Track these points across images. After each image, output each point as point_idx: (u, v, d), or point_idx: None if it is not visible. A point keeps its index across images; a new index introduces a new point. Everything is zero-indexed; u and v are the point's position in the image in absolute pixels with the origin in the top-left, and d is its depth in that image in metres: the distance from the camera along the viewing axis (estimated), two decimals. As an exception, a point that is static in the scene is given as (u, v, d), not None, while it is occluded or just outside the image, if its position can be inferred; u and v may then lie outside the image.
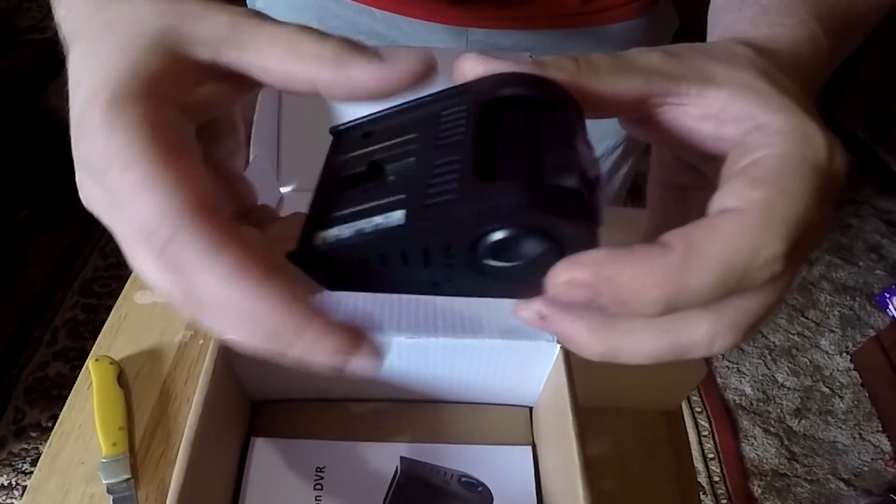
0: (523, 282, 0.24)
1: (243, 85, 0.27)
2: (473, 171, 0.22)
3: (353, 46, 0.25)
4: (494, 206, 0.21)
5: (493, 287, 0.25)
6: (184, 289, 0.22)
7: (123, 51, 0.24)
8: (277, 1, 0.75)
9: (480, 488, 0.50)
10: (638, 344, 0.25)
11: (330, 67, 0.25)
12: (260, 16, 0.26)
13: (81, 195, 0.26)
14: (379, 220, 0.23)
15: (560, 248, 0.22)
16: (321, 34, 0.26)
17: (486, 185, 0.22)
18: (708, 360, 1.61)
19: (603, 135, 0.82)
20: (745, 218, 0.22)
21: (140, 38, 0.25)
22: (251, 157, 0.54)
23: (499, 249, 0.23)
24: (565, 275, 0.22)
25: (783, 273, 0.23)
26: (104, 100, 0.23)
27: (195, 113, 0.26)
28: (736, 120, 0.25)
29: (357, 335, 0.24)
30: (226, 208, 0.25)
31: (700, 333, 0.24)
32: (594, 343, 0.25)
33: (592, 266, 0.22)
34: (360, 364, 0.24)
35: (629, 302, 0.22)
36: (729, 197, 0.23)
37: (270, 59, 0.25)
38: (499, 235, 0.22)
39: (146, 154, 0.22)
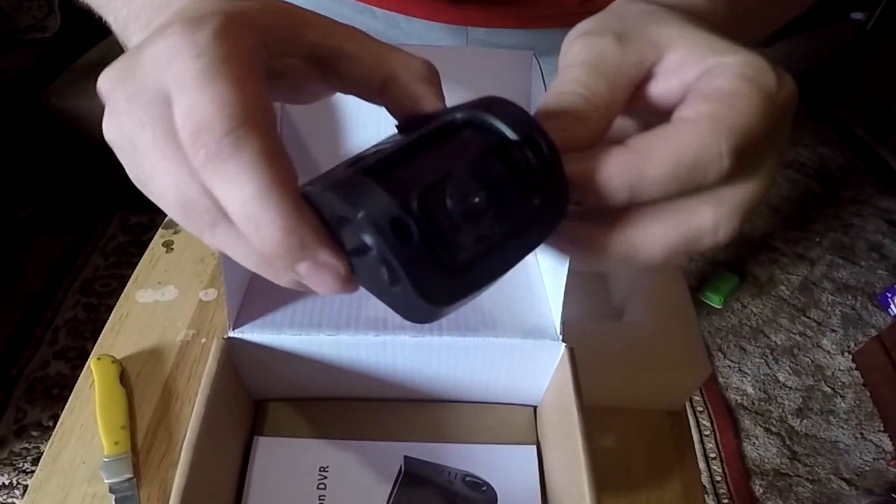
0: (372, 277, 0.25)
1: (324, 78, 0.30)
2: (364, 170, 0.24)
3: (438, 80, 0.31)
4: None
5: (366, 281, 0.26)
6: (215, 185, 0.23)
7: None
8: None
9: (485, 488, 0.50)
10: (653, 236, 0.28)
11: (421, 89, 0.29)
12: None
13: (107, 86, 0.26)
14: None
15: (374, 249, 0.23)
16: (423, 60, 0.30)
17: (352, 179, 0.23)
18: (711, 360, 1.60)
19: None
20: (693, 124, 0.26)
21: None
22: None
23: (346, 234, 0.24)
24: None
25: (752, 170, 0.27)
26: (226, 15, 0.24)
27: (276, 80, 0.28)
28: (692, 65, 0.28)
29: None
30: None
31: (706, 220, 0.27)
32: (615, 242, 0.28)
33: (574, 163, 0.26)
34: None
35: (600, 189, 0.26)
36: (683, 110, 0.27)
37: (375, 57, 0.29)
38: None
39: (243, 61, 0.23)
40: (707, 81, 0.27)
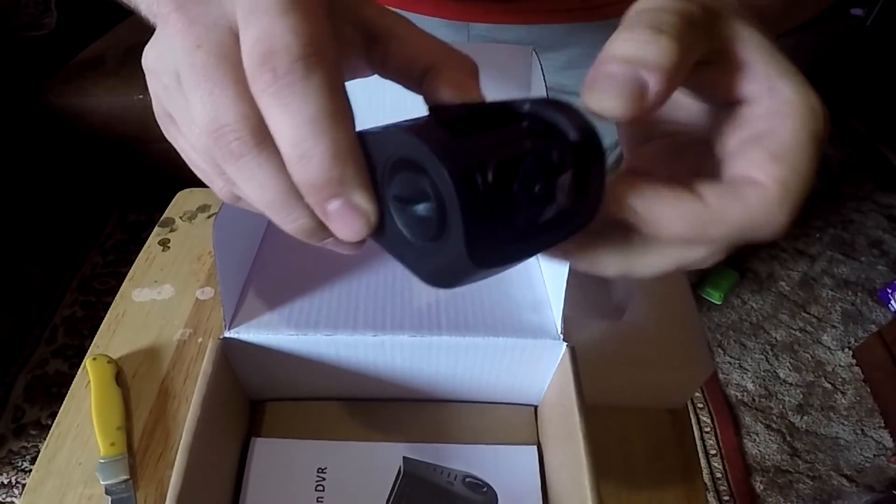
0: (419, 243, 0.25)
1: (366, 52, 0.30)
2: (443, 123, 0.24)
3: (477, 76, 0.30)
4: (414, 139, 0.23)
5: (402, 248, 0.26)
6: (272, 105, 0.23)
7: None
8: None
9: (485, 489, 0.50)
10: (649, 261, 0.29)
11: (467, 82, 0.29)
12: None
13: (166, 27, 0.25)
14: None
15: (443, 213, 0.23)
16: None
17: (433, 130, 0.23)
18: (712, 357, 1.59)
19: (603, 132, 0.82)
20: (766, 193, 0.25)
21: None
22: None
23: (402, 185, 0.24)
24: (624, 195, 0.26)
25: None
26: None
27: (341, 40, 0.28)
28: (753, 78, 0.28)
29: None
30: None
31: (699, 256, 0.28)
32: (614, 261, 0.29)
33: (641, 197, 0.26)
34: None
35: (658, 230, 0.26)
36: (754, 168, 0.26)
37: (427, 44, 0.30)
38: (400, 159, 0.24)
39: (314, 5, 0.23)
40: (774, 129, 0.27)
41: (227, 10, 0.24)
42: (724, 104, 0.29)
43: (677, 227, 0.26)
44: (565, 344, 0.46)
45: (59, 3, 2.12)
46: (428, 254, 0.24)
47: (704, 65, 0.28)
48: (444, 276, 0.24)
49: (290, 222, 0.27)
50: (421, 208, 0.23)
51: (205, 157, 0.26)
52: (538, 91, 0.57)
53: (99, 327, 0.68)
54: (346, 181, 0.24)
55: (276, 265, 0.52)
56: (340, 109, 0.23)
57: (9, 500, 1.53)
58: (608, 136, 0.83)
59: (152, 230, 0.79)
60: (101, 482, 0.56)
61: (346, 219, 0.25)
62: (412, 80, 0.30)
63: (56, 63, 1.97)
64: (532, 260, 0.52)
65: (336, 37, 0.27)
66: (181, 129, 0.27)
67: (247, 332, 0.46)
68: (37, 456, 0.58)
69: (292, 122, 0.22)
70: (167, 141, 0.29)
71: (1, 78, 1.99)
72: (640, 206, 0.26)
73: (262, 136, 0.24)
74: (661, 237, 0.26)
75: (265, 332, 0.46)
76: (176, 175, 0.68)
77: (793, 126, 0.26)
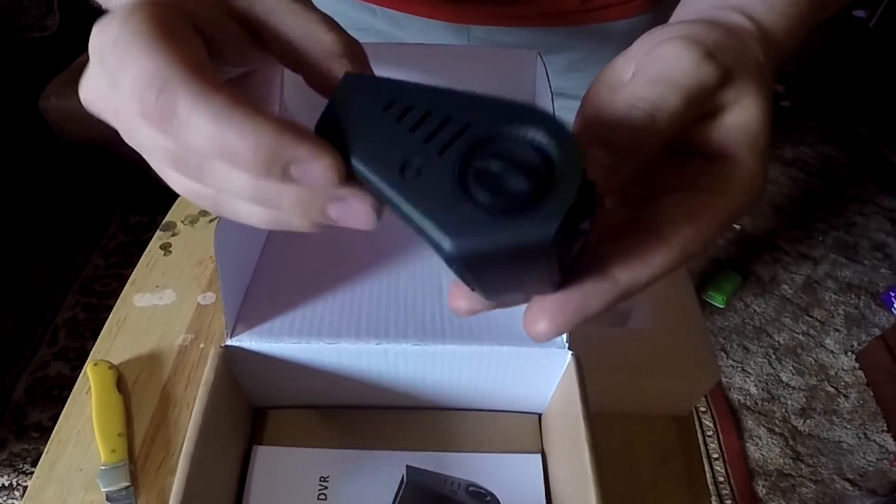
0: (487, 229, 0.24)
1: (258, 46, 0.31)
2: None
3: (361, 54, 0.30)
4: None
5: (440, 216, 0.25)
6: (180, 139, 0.24)
7: None
8: None
9: (488, 497, 0.49)
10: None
11: (323, 56, 0.29)
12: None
13: (83, 91, 0.27)
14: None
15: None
16: (340, 31, 0.30)
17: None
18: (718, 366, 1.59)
19: None
20: (667, 249, 0.29)
21: None
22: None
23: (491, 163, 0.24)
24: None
25: None
26: (129, 5, 0.26)
27: (218, 40, 0.28)
28: (733, 147, 0.30)
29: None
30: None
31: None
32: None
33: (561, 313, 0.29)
34: (356, 207, 0.26)
35: (630, 290, 0.29)
36: (665, 223, 0.29)
37: (284, 28, 0.30)
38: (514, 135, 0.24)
39: (150, 31, 0.24)
40: (706, 199, 0.30)
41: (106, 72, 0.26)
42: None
43: (645, 281, 0.29)
44: (570, 353, 0.46)
45: (62, 4, 2.12)
46: (467, 208, 0.23)
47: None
48: (481, 234, 0.23)
49: (298, 218, 0.27)
50: (516, 181, 0.23)
51: (190, 192, 0.28)
52: (543, 95, 0.56)
53: (100, 329, 0.68)
54: (283, 144, 0.24)
55: (279, 272, 0.51)
56: (228, 102, 0.23)
57: (10, 502, 1.53)
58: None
59: (154, 232, 0.79)
60: (102, 489, 0.55)
61: (312, 173, 0.24)
62: (296, 71, 0.31)
63: (58, 64, 1.97)
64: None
65: (223, 42, 0.29)
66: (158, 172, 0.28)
67: (249, 340, 0.45)
68: (38, 458, 0.58)
69: (201, 139, 0.24)
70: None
71: (3, 79, 1.98)
72: (620, 276, 0.28)
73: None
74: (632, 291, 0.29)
75: (267, 340, 0.46)
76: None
77: (720, 200, 0.29)
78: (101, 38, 0.25)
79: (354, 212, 0.26)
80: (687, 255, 0.29)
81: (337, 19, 0.70)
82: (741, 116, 0.30)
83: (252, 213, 0.27)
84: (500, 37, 0.71)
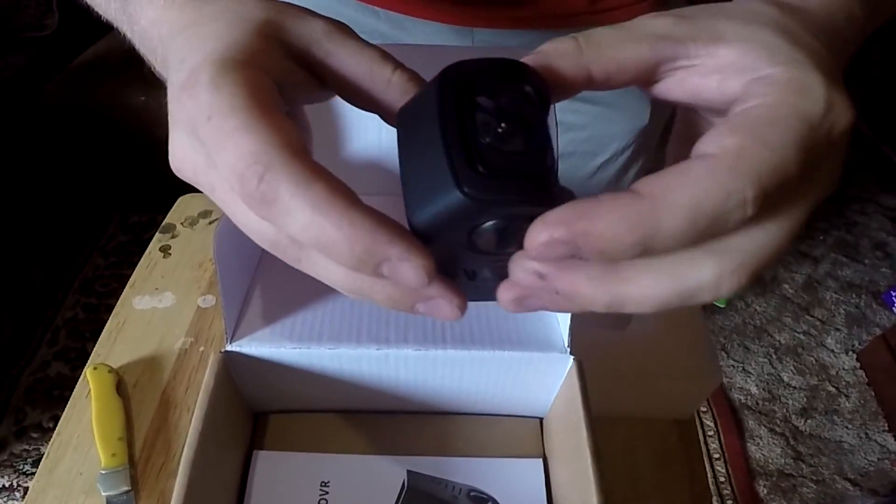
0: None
1: (321, 84, 0.31)
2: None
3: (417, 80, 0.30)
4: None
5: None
6: (277, 224, 0.24)
7: (230, 31, 0.27)
8: None
9: (490, 502, 0.49)
10: (642, 290, 0.25)
11: (395, 95, 0.29)
12: (349, 30, 0.30)
13: (174, 160, 0.28)
14: None
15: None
16: (396, 63, 0.30)
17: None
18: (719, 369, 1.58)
19: (611, 137, 0.81)
20: (715, 162, 0.22)
21: (245, 22, 0.28)
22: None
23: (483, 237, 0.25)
24: (542, 236, 0.23)
25: (775, 216, 0.24)
26: (212, 64, 0.26)
27: (291, 91, 0.29)
28: (740, 72, 0.26)
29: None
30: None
31: (706, 276, 0.24)
32: (598, 294, 0.25)
33: (566, 224, 0.23)
34: (442, 306, 0.27)
35: (607, 250, 0.23)
36: (708, 143, 0.23)
37: (347, 69, 0.29)
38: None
39: (246, 105, 0.24)
40: (743, 102, 0.25)
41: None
42: (719, 113, 0.28)
43: (626, 237, 0.22)
44: (572, 357, 0.46)
45: (61, 3, 2.11)
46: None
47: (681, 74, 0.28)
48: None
49: (402, 307, 0.28)
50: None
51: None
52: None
53: (100, 330, 0.68)
54: (376, 243, 0.24)
55: (278, 276, 0.51)
56: (327, 194, 0.23)
57: (10, 502, 1.53)
58: (614, 141, 0.83)
59: (154, 232, 0.79)
60: (103, 493, 0.55)
61: (402, 272, 0.24)
62: (363, 109, 0.31)
63: (58, 64, 1.97)
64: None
65: (292, 88, 0.29)
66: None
67: (249, 346, 0.45)
68: (38, 459, 0.58)
69: (297, 230, 0.24)
70: (168, 142, 0.30)
71: (2, 78, 1.98)
72: (573, 234, 0.23)
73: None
74: (617, 256, 0.23)
75: (267, 345, 0.45)
76: (177, 177, 0.67)
77: (769, 101, 0.24)
78: (191, 108, 0.25)
79: (440, 309, 0.27)
80: (742, 171, 0.22)
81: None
82: (738, 39, 0.26)
83: (348, 293, 0.28)
84: (504, 39, 0.71)
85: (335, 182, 0.24)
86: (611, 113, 0.79)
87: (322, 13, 0.30)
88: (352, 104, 0.31)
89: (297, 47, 0.29)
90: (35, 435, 1.64)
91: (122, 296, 0.71)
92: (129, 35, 0.35)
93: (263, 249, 0.53)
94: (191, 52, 0.27)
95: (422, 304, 0.27)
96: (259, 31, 0.28)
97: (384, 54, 0.30)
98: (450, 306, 0.27)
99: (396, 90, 0.29)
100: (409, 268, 0.24)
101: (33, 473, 0.53)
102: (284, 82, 0.28)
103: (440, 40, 0.71)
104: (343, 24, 0.31)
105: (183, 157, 0.27)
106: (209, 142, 0.25)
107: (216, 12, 0.29)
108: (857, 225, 2.35)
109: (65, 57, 1.99)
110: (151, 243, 0.77)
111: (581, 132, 0.80)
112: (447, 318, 0.27)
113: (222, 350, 0.45)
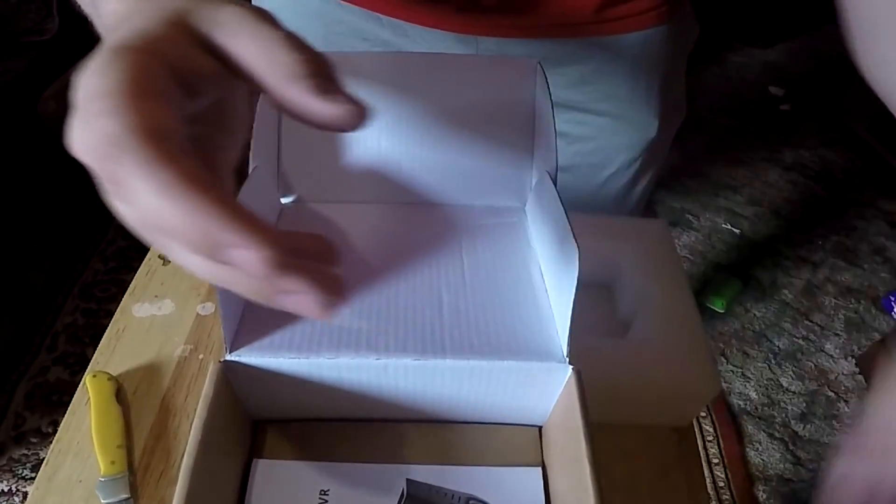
0: None
1: (230, 72, 0.30)
2: None
3: (325, 79, 0.29)
4: None
5: None
6: (130, 204, 0.25)
7: (143, 20, 0.28)
8: (283, 4, 0.74)
9: (488, 511, 0.49)
10: None
11: (289, 88, 0.28)
12: (266, 17, 0.29)
13: (70, 141, 0.28)
14: None
15: None
16: (304, 51, 0.29)
17: None
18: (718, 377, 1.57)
19: (618, 149, 0.80)
20: None
21: (160, 11, 0.28)
22: (251, 169, 0.52)
23: None
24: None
25: None
26: (108, 51, 0.27)
27: (191, 78, 0.29)
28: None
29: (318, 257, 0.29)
30: (186, 150, 0.27)
31: None
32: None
33: None
34: (306, 300, 0.27)
35: None
36: None
37: (248, 55, 0.29)
38: None
39: (120, 88, 0.25)
40: None
41: None
42: None
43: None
44: (571, 367, 0.46)
45: (61, 8, 2.12)
46: None
47: None
48: None
49: (261, 298, 0.29)
50: None
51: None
52: (543, 106, 0.56)
53: (100, 335, 0.68)
54: (229, 244, 0.24)
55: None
56: (177, 179, 0.24)
57: (9, 508, 1.53)
58: (621, 153, 0.82)
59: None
60: (102, 500, 0.55)
61: (242, 257, 0.25)
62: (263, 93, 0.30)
63: (58, 68, 1.97)
64: (538, 280, 0.52)
65: (203, 76, 0.29)
66: None
67: (248, 355, 0.45)
68: (37, 464, 0.58)
69: (140, 200, 0.24)
70: None
71: (2, 83, 1.98)
72: None
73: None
74: None
75: (266, 354, 0.45)
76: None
77: None
78: (85, 88, 0.26)
79: (303, 305, 0.27)
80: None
81: (342, 28, 0.72)
82: None
83: (211, 281, 0.29)
84: (509, 48, 0.71)
85: (189, 169, 0.24)
86: (618, 125, 0.79)
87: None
88: (254, 90, 0.31)
89: (203, 32, 0.29)
90: (34, 440, 1.64)
91: (121, 303, 0.71)
92: (97, 27, 0.36)
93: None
94: (105, 41, 0.28)
95: (283, 297, 0.27)
96: (168, 20, 0.28)
97: (287, 36, 0.29)
98: (313, 304, 0.27)
99: (283, 75, 0.29)
100: (250, 256, 0.24)
101: (32, 478, 0.53)
102: (187, 68, 0.28)
103: (444, 48, 0.71)
104: (265, 11, 0.30)
105: (73, 133, 0.27)
106: (88, 119, 0.25)
107: (147, 4, 0.30)
108: (856, 230, 2.35)
109: (65, 61, 1.99)
110: (150, 250, 0.77)
111: (587, 144, 0.80)
112: (313, 315, 0.28)
113: (221, 360, 0.45)
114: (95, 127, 0.25)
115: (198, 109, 0.30)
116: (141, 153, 0.24)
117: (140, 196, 0.24)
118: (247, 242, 0.24)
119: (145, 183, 0.23)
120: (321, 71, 0.29)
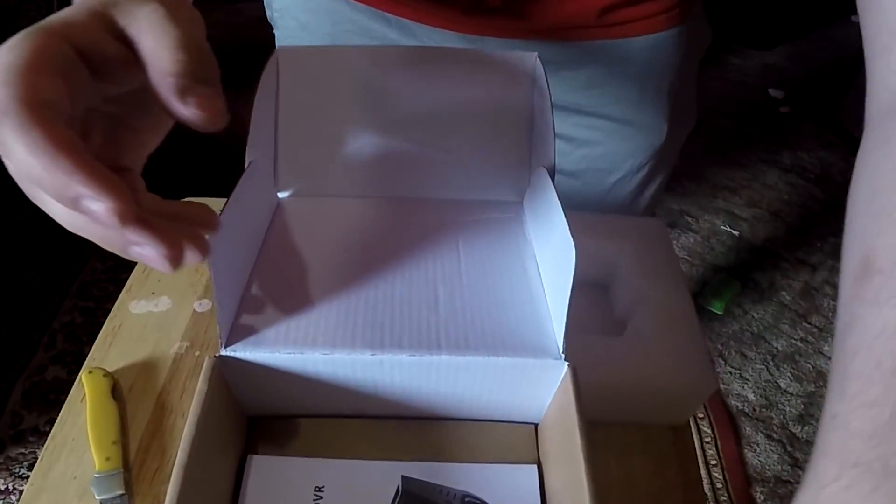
0: None
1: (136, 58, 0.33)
2: None
3: (191, 80, 0.31)
4: None
5: None
6: (10, 160, 0.29)
7: (73, 9, 0.32)
8: (293, 3, 0.74)
9: (484, 508, 0.49)
10: None
11: (163, 85, 0.31)
12: (180, 19, 0.32)
13: None
14: None
15: None
16: (188, 52, 0.31)
17: None
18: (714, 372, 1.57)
19: (626, 154, 0.80)
20: None
21: (92, 2, 0.32)
22: (247, 163, 0.52)
23: None
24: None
25: None
26: (23, 32, 0.30)
27: (99, 61, 0.32)
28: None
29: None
30: (68, 119, 0.30)
31: None
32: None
33: None
34: (151, 251, 0.32)
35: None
36: None
37: (139, 42, 0.32)
38: None
39: (17, 64, 0.29)
40: None
41: None
42: None
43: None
44: (567, 364, 0.46)
45: (62, 5, 2.12)
46: None
47: None
48: None
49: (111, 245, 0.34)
50: None
51: None
52: (541, 100, 0.56)
53: (97, 334, 0.68)
54: (80, 194, 0.28)
55: (273, 279, 0.51)
56: (44, 139, 0.28)
57: (6, 506, 1.53)
58: (630, 158, 0.81)
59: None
60: (96, 497, 0.55)
61: (94, 212, 0.29)
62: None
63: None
64: (534, 276, 0.52)
65: (115, 62, 0.32)
66: None
67: (243, 351, 0.45)
68: (34, 463, 0.58)
69: (19, 163, 0.28)
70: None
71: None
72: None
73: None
74: None
75: (262, 350, 0.45)
76: (174, 179, 0.67)
77: None
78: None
79: (148, 256, 0.32)
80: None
81: (350, 27, 0.73)
82: None
83: (71, 230, 0.34)
84: (514, 49, 0.71)
85: (58, 132, 0.28)
86: (625, 130, 0.78)
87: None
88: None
89: (119, 24, 0.32)
90: (32, 439, 1.63)
91: (118, 300, 0.71)
92: None
93: (259, 255, 0.53)
94: None
95: (133, 247, 0.32)
96: (92, 10, 0.32)
97: (183, 43, 0.32)
98: (157, 255, 0.32)
99: (158, 71, 0.31)
100: (99, 207, 0.28)
101: (28, 477, 0.53)
102: (95, 51, 0.31)
103: None
104: (185, 14, 0.33)
105: None
106: None
107: None
108: (855, 232, 2.34)
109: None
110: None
111: (595, 148, 0.79)
112: (156, 265, 0.32)
113: (216, 355, 0.45)
114: None
115: (116, 92, 0.34)
116: (19, 118, 0.27)
117: (15, 152, 0.28)
118: (98, 195, 0.28)
119: (19, 142, 0.27)
120: (195, 72, 0.31)
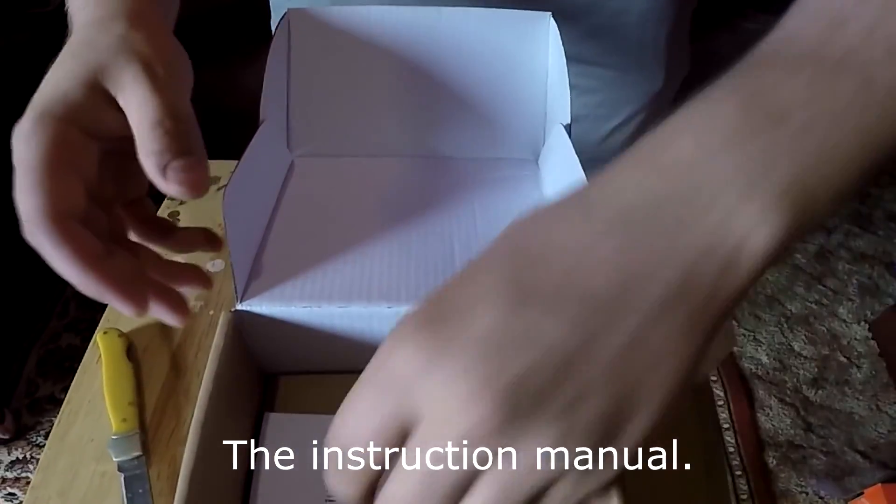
0: None
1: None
2: None
3: (169, 154, 0.34)
4: None
5: None
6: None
7: (68, 78, 0.35)
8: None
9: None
10: None
11: (147, 162, 0.34)
12: (157, 79, 0.35)
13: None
14: None
15: None
16: (164, 124, 0.34)
17: None
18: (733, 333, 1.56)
19: (624, 101, 0.80)
20: None
21: (83, 68, 0.35)
22: (260, 122, 0.51)
23: None
24: None
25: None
26: (35, 116, 0.33)
27: (103, 133, 0.35)
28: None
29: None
30: (77, 212, 0.34)
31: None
32: None
33: None
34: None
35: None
36: None
37: (132, 123, 0.35)
38: None
39: (38, 165, 0.32)
40: None
41: None
42: None
43: None
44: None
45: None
46: None
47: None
48: None
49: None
50: None
51: None
52: (556, 59, 0.55)
53: (110, 301, 0.67)
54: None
55: (288, 236, 0.50)
56: (72, 256, 0.33)
57: (24, 475, 1.54)
58: (628, 105, 0.80)
59: (163, 199, 0.78)
60: (114, 459, 0.55)
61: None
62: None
63: (60, 39, 1.96)
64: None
65: (113, 131, 0.35)
66: None
67: (259, 305, 0.45)
68: (51, 431, 0.58)
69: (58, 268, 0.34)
70: None
71: (11, 58, 1.98)
72: None
73: None
74: None
75: (278, 304, 0.45)
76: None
77: None
78: (17, 156, 0.33)
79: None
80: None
81: None
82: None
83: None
84: (519, 2, 0.70)
85: (82, 246, 0.33)
86: (625, 77, 0.78)
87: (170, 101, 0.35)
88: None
89: (111, 94, 0.35)
90: (48, 407, 1.65)
91: (131, 262, 0.70)
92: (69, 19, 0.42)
93: (273, 213, 0.52)
94: (44, 85, 0.35)
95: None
96: (87, 82, 0.34)
97: (161, 113, 0.34)
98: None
99: (144, 155, 0.34)
100: (119, 307, 0.36)
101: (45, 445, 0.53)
102: (99, 128, 0.35)
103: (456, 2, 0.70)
104: (163, 68, 0.36)
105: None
106: (18, 196, 0.33)
107: (80, 45, 0.36)
108: (871, 196, 2.32)
109: (65, 31, 1.98)
110: (160, 210, 0.77)
111: (594, 96, 0.79)
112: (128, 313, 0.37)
113: (232, 309, 0.44)
114: (21, 204, 0.32)
115: (115, 145, 0.36)
116: (49, 234, 0.32)
117: (54, 263, 0.33)
118: (120, 303, 0.35)
119: (53, 257, 0.33)
120: (173, 146, 0.34)
